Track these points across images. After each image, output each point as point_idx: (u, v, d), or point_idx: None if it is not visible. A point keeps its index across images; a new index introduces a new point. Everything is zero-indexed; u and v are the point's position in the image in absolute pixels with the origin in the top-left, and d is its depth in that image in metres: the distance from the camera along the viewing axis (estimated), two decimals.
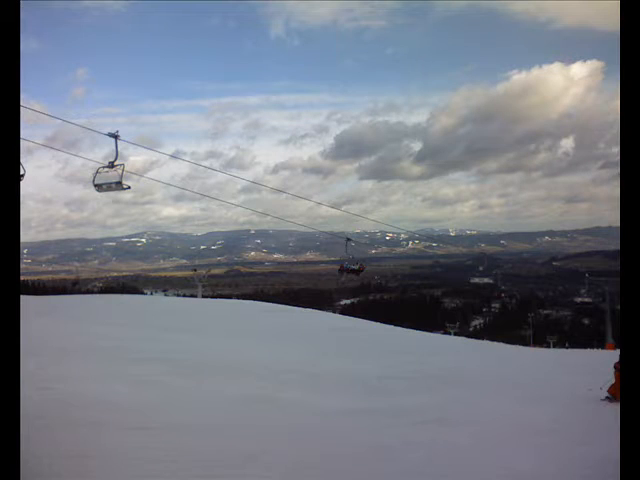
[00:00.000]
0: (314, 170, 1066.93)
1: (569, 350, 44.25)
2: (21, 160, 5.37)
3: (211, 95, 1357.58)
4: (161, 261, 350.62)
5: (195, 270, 48.79)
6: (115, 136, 9.20)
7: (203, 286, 44.12)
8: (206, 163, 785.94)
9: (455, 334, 58.23)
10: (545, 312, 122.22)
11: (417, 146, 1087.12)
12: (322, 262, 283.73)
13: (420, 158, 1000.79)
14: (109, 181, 9.20)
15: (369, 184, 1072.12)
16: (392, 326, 33.50)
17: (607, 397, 12.29)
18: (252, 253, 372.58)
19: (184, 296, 64.70)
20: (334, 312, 66.39)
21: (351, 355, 18.74)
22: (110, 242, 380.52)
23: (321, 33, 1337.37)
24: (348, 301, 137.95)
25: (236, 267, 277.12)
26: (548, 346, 60.54)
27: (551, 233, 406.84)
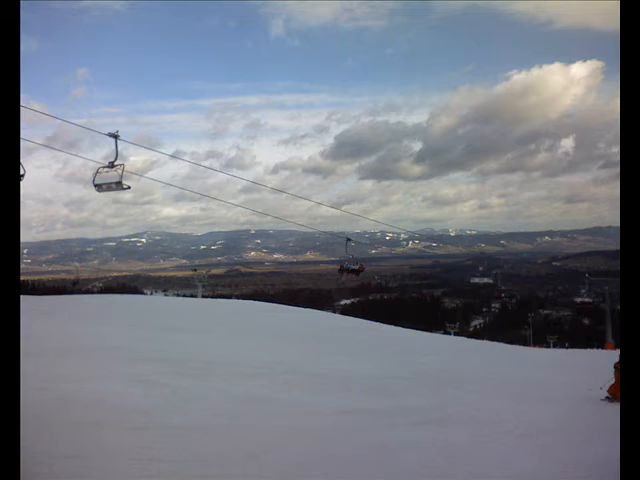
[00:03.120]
0: (314, 170, 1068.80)
1: (569, 350, 44.29)
2: (21, 160, 5.36)
3: (211, 95, 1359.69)
4: (161, 261, 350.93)
5: (195, 270, 48.97)
6: (115, 136, 9.19)
7: (203, 286, 44.24)
8: (206, 163, 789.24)
9: (455, 334, 58.25)
10: (545, 312, 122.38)
11: (417, 146, 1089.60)
12: (322, 262, 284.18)
13: (420, 158, 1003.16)
14: (109, 181, 9.18)
15: (369, 184, 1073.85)
16: (392, 326, 33.54)
17: (607, 397, 12.30)
18: (252, 253, 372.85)
19: (184, 296, 64.79)
20: (334, 312, 66.49)
21: (351, 355, 18.74)
22: (110, 242, 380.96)
23: (321, 33, 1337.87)
24: (348, 301, 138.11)
25: (236, 267, 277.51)
26: (548, 346, 60.63)
27: (551, 233, 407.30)
